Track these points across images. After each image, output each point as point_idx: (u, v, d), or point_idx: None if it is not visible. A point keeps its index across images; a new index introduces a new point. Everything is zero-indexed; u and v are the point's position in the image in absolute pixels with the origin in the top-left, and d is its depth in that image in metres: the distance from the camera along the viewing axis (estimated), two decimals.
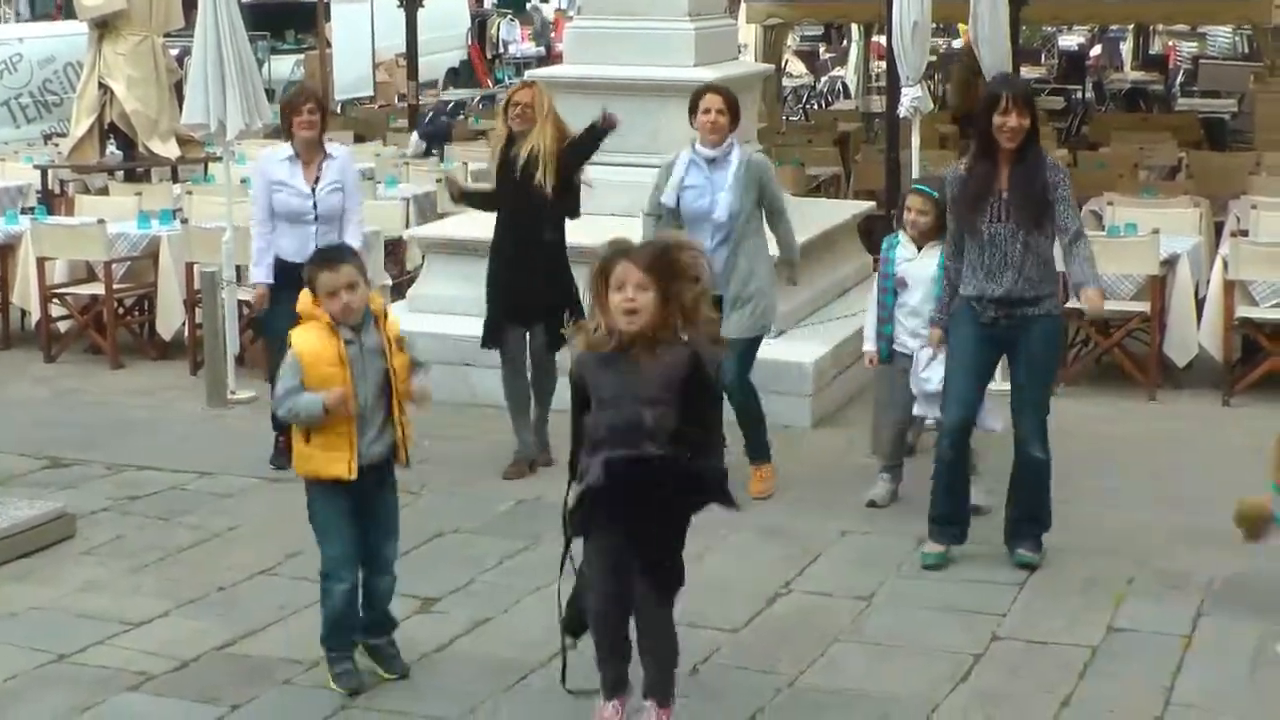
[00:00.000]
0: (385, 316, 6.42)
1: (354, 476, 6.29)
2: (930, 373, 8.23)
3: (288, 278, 9.13)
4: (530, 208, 9.09)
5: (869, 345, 8.75)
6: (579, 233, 9.20)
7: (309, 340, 6.31)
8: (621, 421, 5.61)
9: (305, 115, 9.24)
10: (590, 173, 9.41)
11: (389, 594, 6.61)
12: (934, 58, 21.28)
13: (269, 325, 9.39)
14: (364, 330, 6.32)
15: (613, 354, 5.63)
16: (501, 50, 38.80)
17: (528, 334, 9.25)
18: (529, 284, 9.11)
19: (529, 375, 9.31)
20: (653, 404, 5.58)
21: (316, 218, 9.28)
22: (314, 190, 9.28)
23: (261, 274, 9.43)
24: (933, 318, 8.05)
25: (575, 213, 9.28)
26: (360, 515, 6.42)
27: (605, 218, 9.41)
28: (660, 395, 5.59)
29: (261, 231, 9.42)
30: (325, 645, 6.48)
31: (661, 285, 5.58)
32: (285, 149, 9.40)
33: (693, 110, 8.79)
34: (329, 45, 27.25)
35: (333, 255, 6.47)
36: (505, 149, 9.18)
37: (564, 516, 5.85)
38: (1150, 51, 32.16)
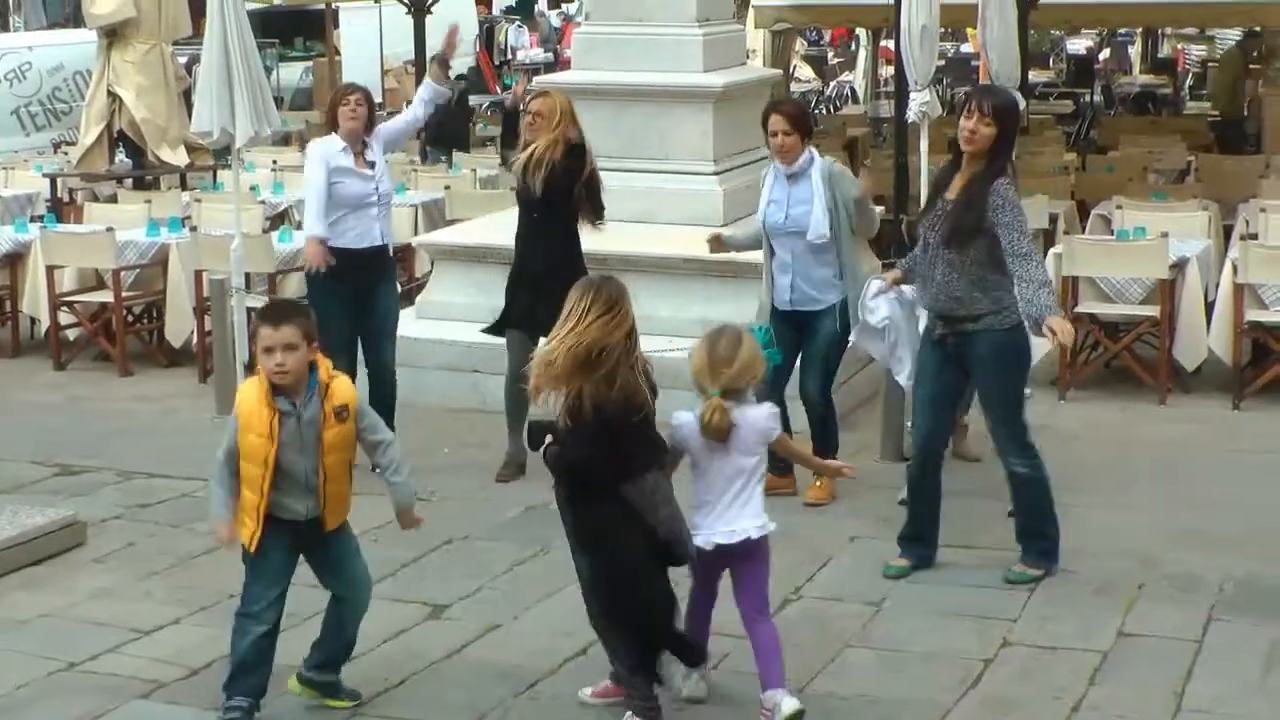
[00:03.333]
0: (329, 385, 6.07)
1: (253, 550, 6.13)
2: (875, 304, 8.28)
3: (347, 266, 9.20)
4: (528, 212, 9.14)
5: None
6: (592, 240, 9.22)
7: (249, 400, 6.08)
8: None
9: (352, 106, 9.37)
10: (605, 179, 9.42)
11: (361, 609, 6.38)
12: (942, 62, 21.29)
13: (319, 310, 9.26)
14: (306, 400, 6.04)
15: None
16: (510, 56, 38.77)
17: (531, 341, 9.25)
18: (533, 290, 9.05)
19: None
20: None
21: (379, 200, 9.44)
22: (377, 177, 9.44)
23: (320, 229, 9.36)
24: (900, 264, 8.16)
25: (598, 216, 9.29)
26: (310, 556, 6.30)
27: (616, 224, 9.42)
28: None
29: (316, 220, 9.36)
30: (225, 688, 6.22)
31: None
32: (337, 140, 9.46)
33: (764, 127, 8.81)
34: (338, 53, 27.28)
35: (281, 310, 6.14)
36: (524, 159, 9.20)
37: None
38: (1159, 55, 32.13)
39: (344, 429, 6.12)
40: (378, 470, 6.34)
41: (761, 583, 6.24)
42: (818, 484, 8.81)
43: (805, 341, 8.79)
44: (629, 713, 6.05)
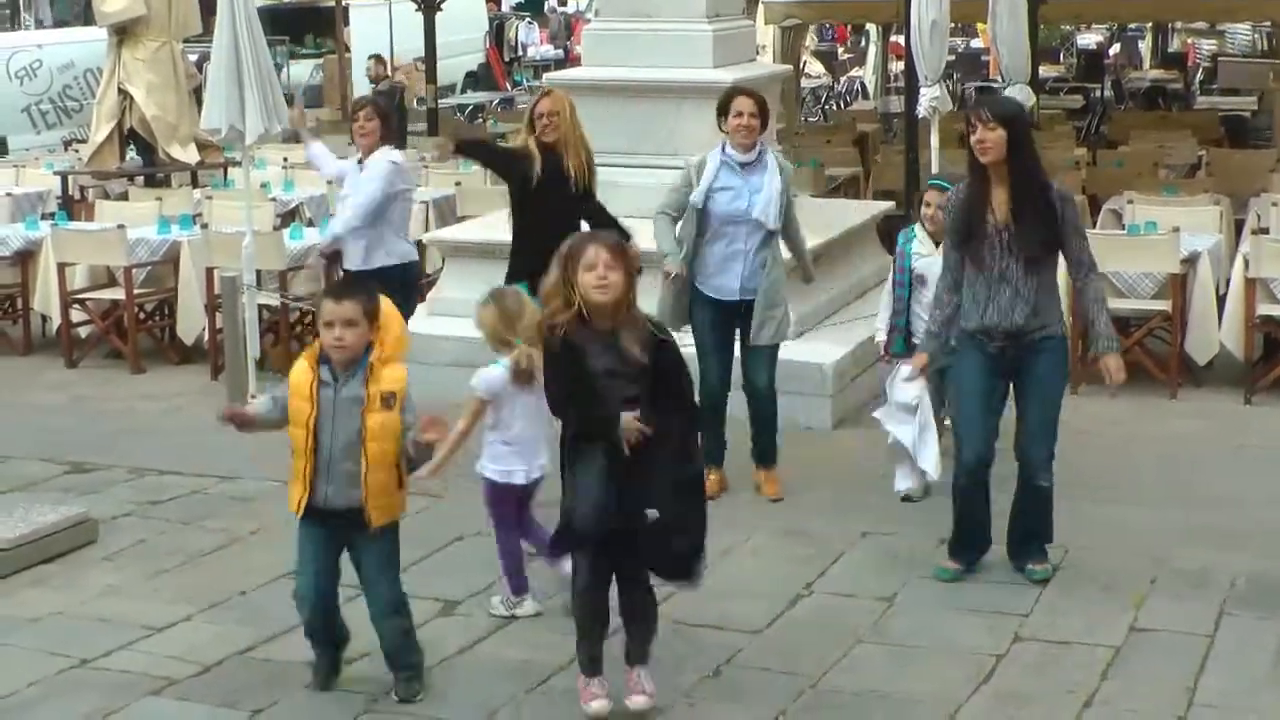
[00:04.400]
0: (377, 369, 6.12)
1: (299, 514, 6.19)
2: (908, 386, 8.18)
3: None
4: (571, 217, 9.10)
5: (881, 335, 8.78)
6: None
7: (299, 367, 6.21)
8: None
9: (361, 121, 9.55)
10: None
11: (391, 637, 6.41)
12: (952, 57, 21.26)
13: None
14: (350, 378, 6.10)
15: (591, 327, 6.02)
16: (520, 53, 38.83)
17: None
18: None
19: None
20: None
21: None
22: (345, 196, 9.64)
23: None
24: (921, 345, 7.93)
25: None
26: (351, 550, 6.35)
27: (624, 219, 9.41)
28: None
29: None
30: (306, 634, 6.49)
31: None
32: (356, 157, 9.78)
33: (722, 112, 8.71)
34: (347, 50, 27.30)
35: (346, 286, 6.31)
36: (543, 160, 9.14)
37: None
38: (1169, 49, 32.13)
39: (389, 417, 6.11)
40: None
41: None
42: (773, 478, 8.89)
43: (747, 331, 8.72)
44: None
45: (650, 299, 9.00)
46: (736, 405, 8.90)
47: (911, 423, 8.41)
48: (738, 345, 8.81)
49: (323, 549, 6.29)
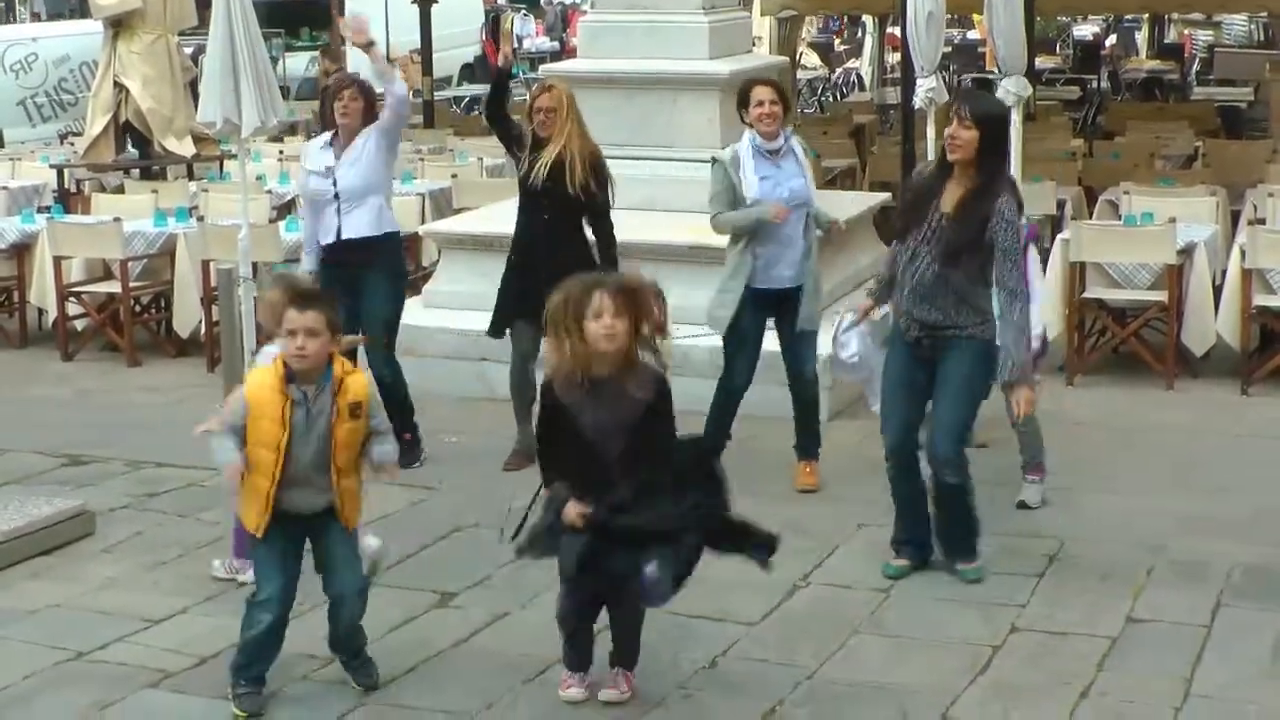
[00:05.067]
0: (343, 381, 6.10)
1: (260, 535, 6.17)
2: (846, 339, 8.18)
3: (323, 261, 9.32)
4: (558, 210, 9.07)
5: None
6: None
7: (263, 387, 6.10)
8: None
9: (346, 101, 9.28)
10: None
11: (349, 621, 6.40)
12: (949, 49, 21.26)
13: None
14: (319, 392, 6.07)
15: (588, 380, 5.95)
16: (516, 45, 38.81)
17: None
18: (545, 279, 8.94)
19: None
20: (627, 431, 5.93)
21: (337, 195, 9.30)
22: (332, 169, 9.30)
23: (307, 263, 9.55)
24: (869, 290, 8.02)
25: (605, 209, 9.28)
26: (314, 549, 6.33)
27: (621, 211, 9.41)
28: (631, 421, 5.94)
29: (304, 222, 9.58)
30: (232, 671, 6.31)
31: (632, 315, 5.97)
32: (325, 135, 9.49)
33: (743, 104, 8.70)
34: (343, 42, 27.23)
35: (308, 295, 6.16)
36: (531, 153, 9.13)
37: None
38: (1165, 40, 32.08)
39: (357, 426, 6.15)
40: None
41: None
42: (807, 469, 8.89)
43: (791, 317, 8.72)
44: None
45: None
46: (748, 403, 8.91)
47: (854, 375, 8.41)
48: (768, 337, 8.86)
49: (291, 555, 6.26)
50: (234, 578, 7.46)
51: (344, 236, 9.33)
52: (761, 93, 8.63)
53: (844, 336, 8.19)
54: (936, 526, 7.61)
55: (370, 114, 9.38)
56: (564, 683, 6.34)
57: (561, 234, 9.06)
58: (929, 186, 7.37)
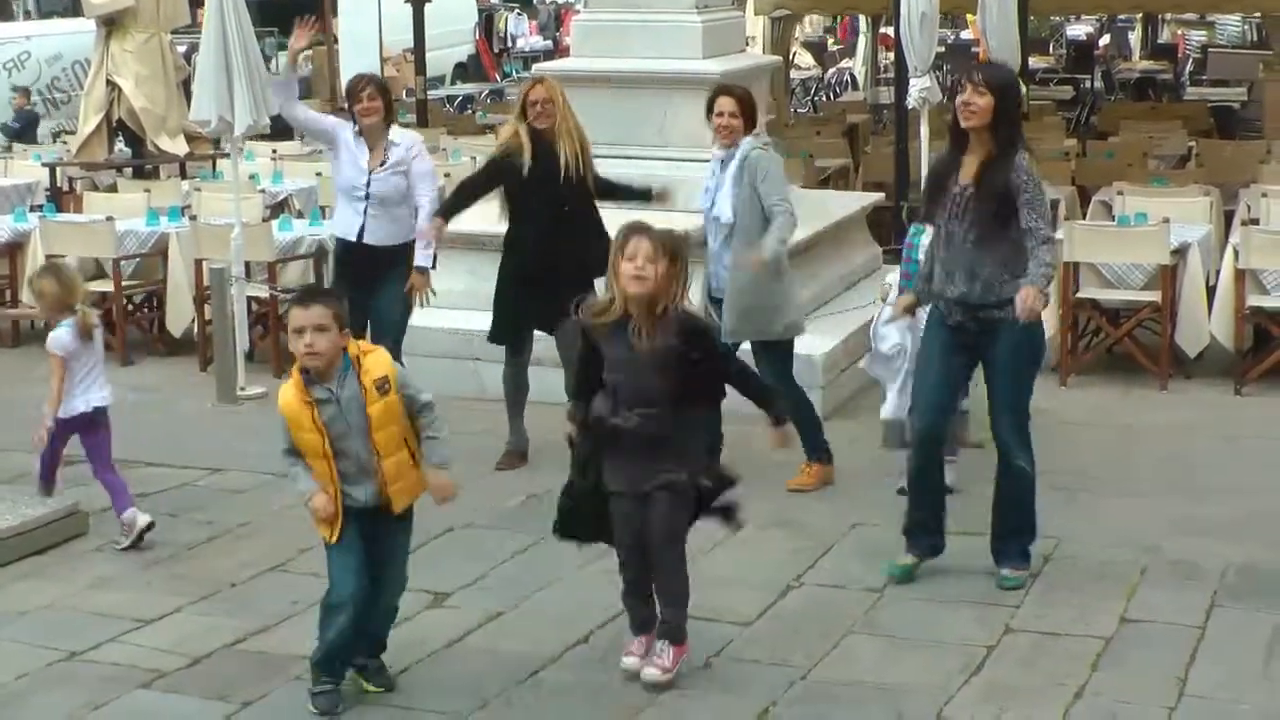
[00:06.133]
0: (362, 361, 6.07)
1: (334, 540, 6.14)
2: (887, 331, 8.23)
3: (341, 255, 9.24)
4: (577, 199, 9.06)
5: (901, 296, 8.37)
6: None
7: (290, 403, 6.07)
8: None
9: (365, 101, 9.28)
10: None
11: (389, 618, 6.43)
12: (942, 48, 21.25)
13: None
14: (342, 382, 6.03)
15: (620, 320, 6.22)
16: (509, 44, 38.80)
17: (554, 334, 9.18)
18: (564, 283, 8.62)
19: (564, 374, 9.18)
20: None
21: (368, 196, 9.33)
22: (371, 171, 9.32)
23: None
24: (903, 284, 7.99)
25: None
26: (373, 539, 6.29)
27: (613, 210, 9.38)
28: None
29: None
30: (313, 665, 6.29)
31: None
32: (352, 126, 9.45)
33: (709, 111, 8.68)
34: (336, 41, 27.24)
35: (311, 292, 6.15)
36: (534, 148, 9.08)
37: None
38: (1159, 40, 32.09)
39: (388, 401, 6.07)
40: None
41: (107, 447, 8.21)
42: (802, 469, 8.86)
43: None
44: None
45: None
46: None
47: (891, 368, 8.41)
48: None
49: (362, 551, 6.22)
50: (134, 532, 7.99)
51: (365, 240, 9.41)
52: (723, 103, 8.60)
53: (884, 329, 8.20)
54: (997, 526, 7.50)
55: (389, 112, 9.43)
56: (625, 648, 6.54)
57: (587, 224, 9.06)
58: (945, 165, 7.34)
